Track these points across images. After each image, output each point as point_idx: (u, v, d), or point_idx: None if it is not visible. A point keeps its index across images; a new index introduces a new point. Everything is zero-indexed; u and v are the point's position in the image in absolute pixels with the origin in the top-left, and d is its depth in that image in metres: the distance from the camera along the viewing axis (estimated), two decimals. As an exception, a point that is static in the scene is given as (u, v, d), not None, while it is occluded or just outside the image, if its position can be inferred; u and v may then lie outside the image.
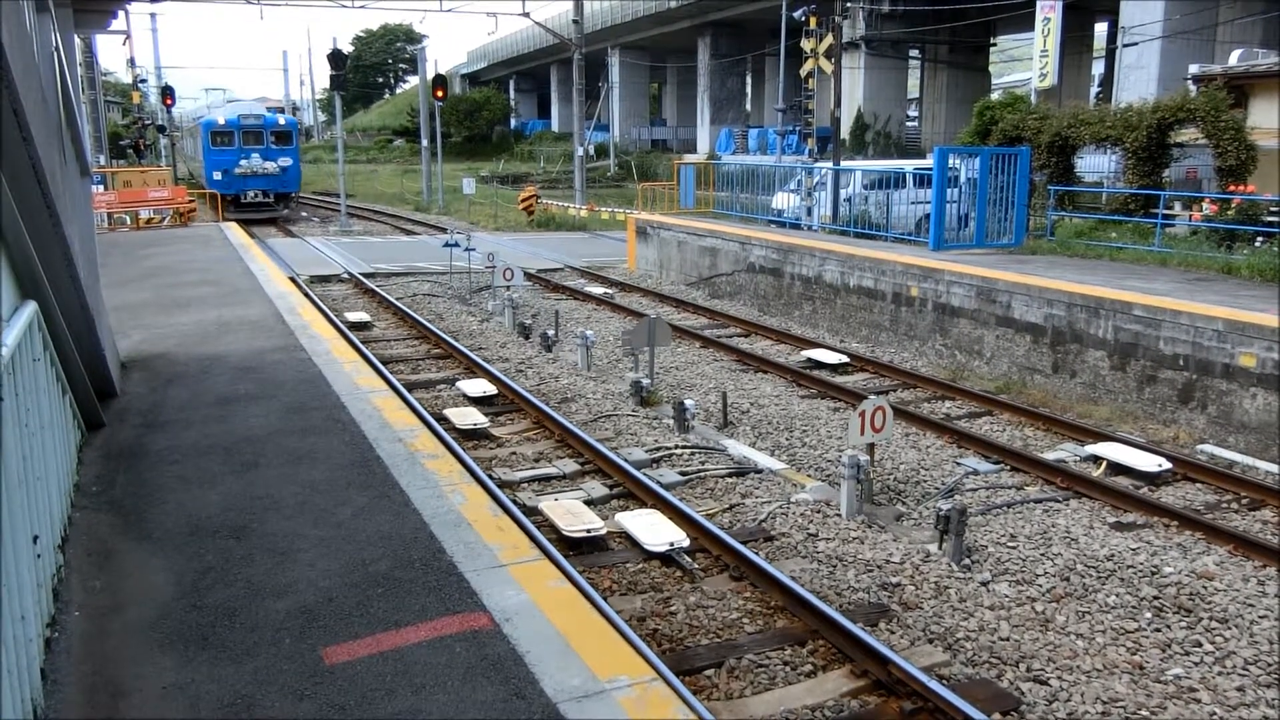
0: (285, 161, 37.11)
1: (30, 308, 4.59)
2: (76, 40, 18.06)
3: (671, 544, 7.74)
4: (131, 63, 40.77)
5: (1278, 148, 18.05)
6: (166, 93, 40.98)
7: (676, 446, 10.51)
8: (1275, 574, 7.68)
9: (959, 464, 10.20)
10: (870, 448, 9.16)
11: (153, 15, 43.76)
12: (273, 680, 3.59)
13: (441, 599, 4.11)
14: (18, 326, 4.11)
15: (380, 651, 3.75)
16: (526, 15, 37.07)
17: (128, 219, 26.80)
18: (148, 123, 43.68)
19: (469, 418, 10.98)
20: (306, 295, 14.99)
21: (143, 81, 44.33)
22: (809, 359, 14.62)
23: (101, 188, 27.79)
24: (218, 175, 35.91)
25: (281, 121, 38.26)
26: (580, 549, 7.96)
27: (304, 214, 41.55)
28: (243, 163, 36.13)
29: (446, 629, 3.88)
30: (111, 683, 3.66)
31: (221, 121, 36.82)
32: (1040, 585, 7.49)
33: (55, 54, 7.38)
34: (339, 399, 7.05)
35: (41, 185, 4.52)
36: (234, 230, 21.09)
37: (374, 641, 3.82)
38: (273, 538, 4.74)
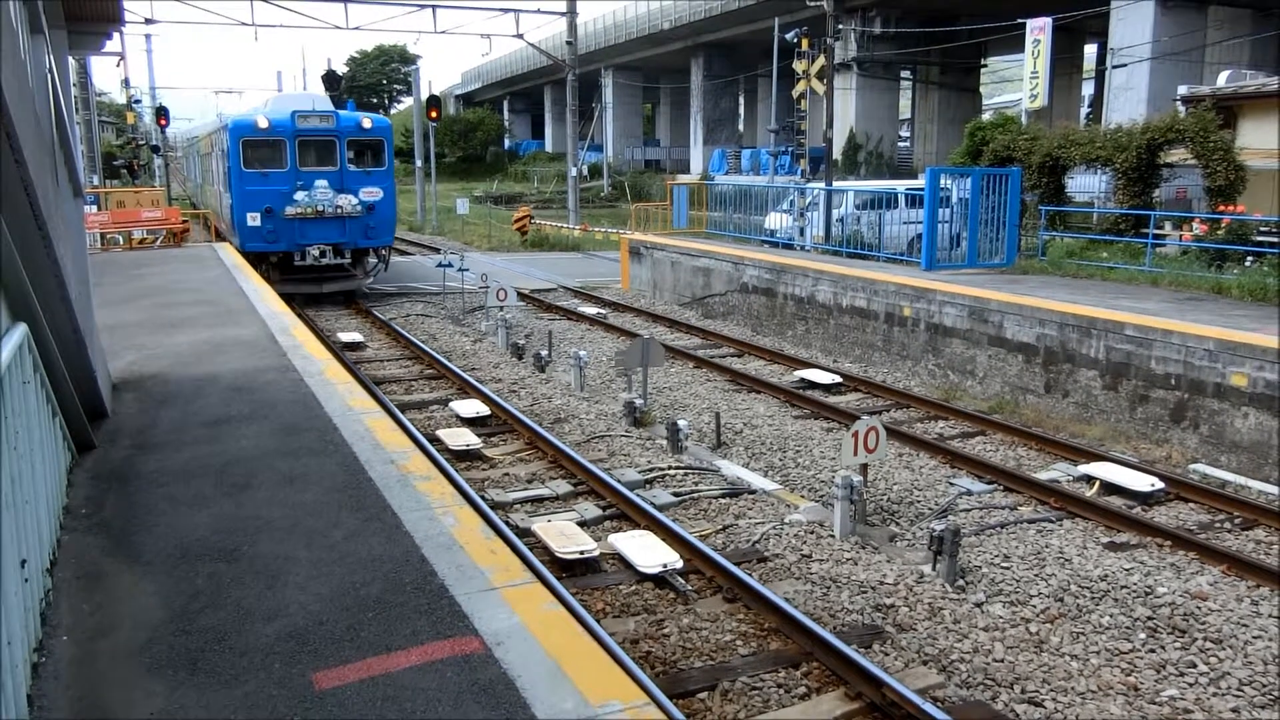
0: (373, 193, 20.71)
1: (21, 330, 4.58)
2: (71, 61, 18.15)
3: (665, 565, 7.72)
4: (126, 83, 40.81)
5: (1277, 168, 18.14)
6: (161, 113, 39.46)
7: (670, 467, 10.49)
8: (1269, 594, 7.67)
9: (952, 484, 10.20)
10: (864, 468, 9.16)
11: (148, 37, 43.79)
12: (262, 705, 3.56)
13: (433, 623, 4.09)
14: (8, 349, 4.10)
15: (371, 676, 3.72)
16: (520, 36, 37.16)
17: (121, 239, 26.77)
18: (142, 143, 43.49)
19: (462, 439, 10.95)
20: (300, 315, 14.97)
21: (137, 102, 44.33)
22: (802, 379, 14.63)
23: (95, 208, 27.75)
24: (254, 220, 19.81)
25: (367, 124, 21.25)
26: (573, 571, 7.93)
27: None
28: (300, 196, 20.05)
29: (438, 653, 3.86)
30: (100, 708, 3.62)
31: (263, 124, 20.07)
32: (1034, 606, 7.48)
33: (49, 76, 7.40)
34: (331, 420, 7.03)
35: (34, 207, 4.52)
36: (227, 251, 21.09)
37: (364, 666, 3.79)
38: (263, 560, 4.71)
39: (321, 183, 20.26)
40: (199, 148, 34.75)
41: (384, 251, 22.44)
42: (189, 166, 45.79)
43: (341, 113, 21.52)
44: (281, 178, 20.13)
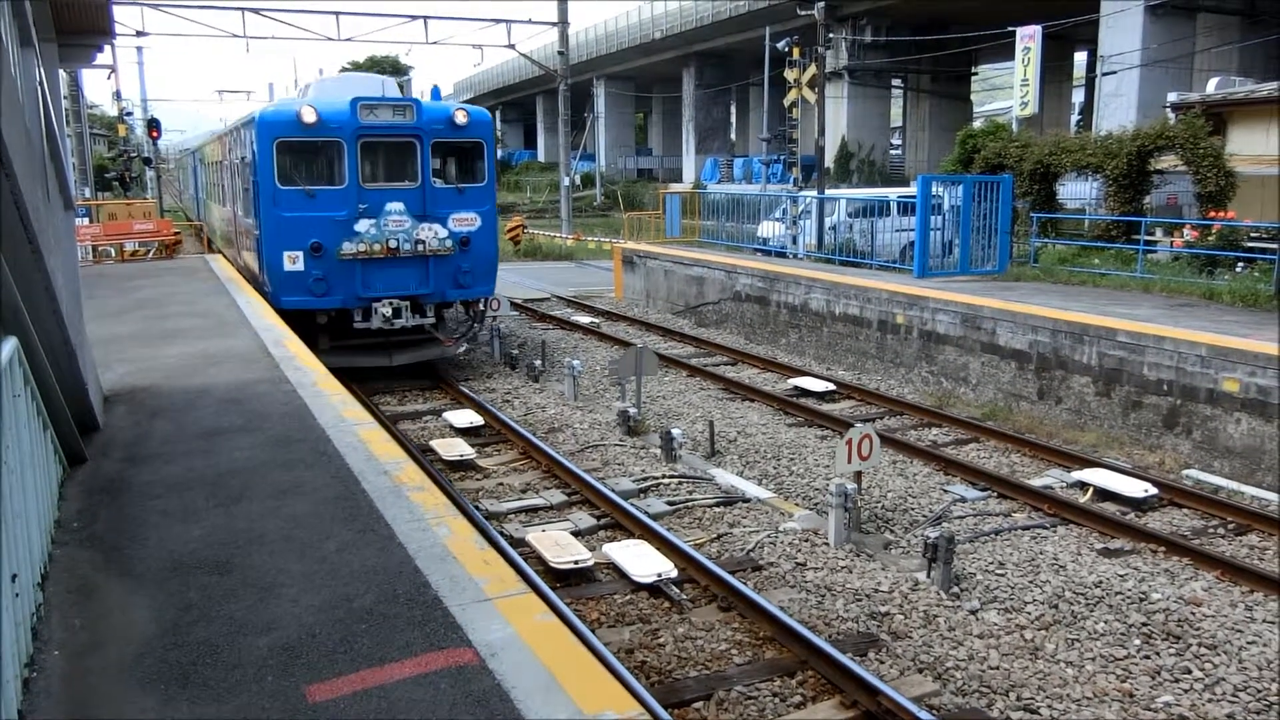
0: (467, 221, 14.59)
1: (11, 343, 4.56)
2: (62, 74, 18.09)
3: (659, 575, 7.71)
4: (117, 95, 40.74)
5: (1276, 174, 18.22)
6: (152, 125, 39.27)
7: (664, 476, 10.48)
8: (1264, 599, 7.68)
9: (946, 491, 10.20)
10: (857, 476, 9.16)
11: (139, 49, 43.80)
12: (255, 719, 3.54)
13: (426, 634, 4.07)
14: (-2, 362, 4.09)
15: (364, 688, 3.71)
16: (512, 46, 37.20)
17: (113, 251, 26.72)
18: (133, 155, 43.38)
19: (455, 449, 10.93)
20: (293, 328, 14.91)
21: (128, 114, 44.26)
22: (796, 387, 14.63)
23: (86, 220, 27.71)
24: (294, 261, 13.63)
25: (461, 119, 14.35)
26: (568, 580, 7.91)
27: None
28: (365, 227, 13.81)
29: (431, 665, 3.84)
30: (91, 723, 3.60)
31: (309, 118, 13.40)
32: (1029, 613, 7.47)
33: (39, 89, 7.39)
34: (324, 431, 7.02)
35: (24, 220, 4.50)
36: (220, 263, 20.99)
37: (358, 679, 3.77)
38: (256, 573, 4.69)
39: (395, 206, 13.61)
40: (204, 155, 26.81)
41: (482, 306, 15.29)
42: (187, 180, 40.83)
43: (425, 102, 14.82)
44: (336, 198, 13.33)
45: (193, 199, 36.29)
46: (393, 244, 13.74)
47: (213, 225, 25.84)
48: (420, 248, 13.92)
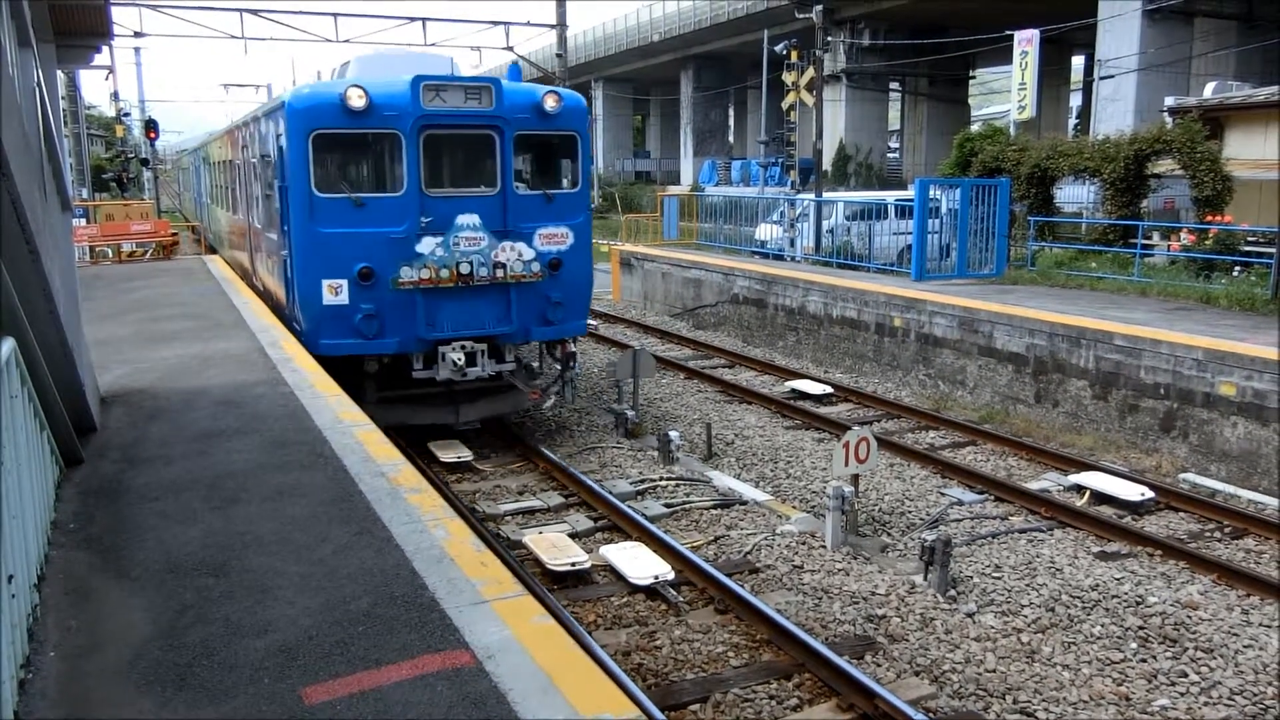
0: (558, 238, 11.26)
1: (8, 344, 4.55)
2: (60, 75, 18.07)
3: (656, 577, 7.71)
4: (115, 96, 40.69)
5: (1276, 178, 18.27)
6: (150, 126, 39.15)
7: (661, 478, 10.49)
8: (1260, 603, 7.69)
9: (943, 494, 10.21)
10: (855, 479, 9.17)
11: (137, 50, 43.71)
12: (251, 721, 3.54)
13: (423, 636, 4.07)
14: (-5, 363, 4.08)
15: (361, 691, 3.70)
16: (510, 49, 37.19)
17: (110, 252, 26.69)
18: (131, 156, 43.29)
19: (453, 451, 10.93)
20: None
21: (126, 115, 44.20)
22: (793, 390, 14.64)
23: (84, 221, 27.68)
24: (335, 292, 10.41)
25: (551, 105, 10.99)
26: (565, 582, 7.91)
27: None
28: (429, 247, 10.54)
29: (428, 667, 3.83)
30: (87, 725, 3.59)
31: (357, 101, 10.10)
32: (1026, 616, 7.48)
33: (37, 90, 7.38)
34: (321, 433, 7.00)
35: (21, 221, 4.50)
36: (217, 263, 20.94)
37: (354, 680, 3.76)
38: (253, 575, 4.69)
39: (469, 219, 10.64)
40: (208, 154, 23.49)
41: (573, 346, 12.10)
42: (188, 183, 36.82)
43: (505, 84, 11.11)
44: (392, 209, 10.39)
45: (194, 203, 32.77)
46: (465, 269, 10.51)
47: (218, 234, 22.53)
48: (500, 273, 10.70)
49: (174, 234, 27.93)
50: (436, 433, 11.48)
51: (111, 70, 36.40)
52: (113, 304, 14.12)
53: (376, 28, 56.09)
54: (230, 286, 15.95)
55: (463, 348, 10.65)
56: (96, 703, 3.71)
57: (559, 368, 12.18)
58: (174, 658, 3.97)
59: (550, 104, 10.89)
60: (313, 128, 10.14)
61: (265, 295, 13.62)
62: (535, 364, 12.49)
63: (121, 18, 27.64)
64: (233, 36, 30.84)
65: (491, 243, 10.69)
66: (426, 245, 10.42)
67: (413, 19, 33.25)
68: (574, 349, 12.05)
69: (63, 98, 25.59)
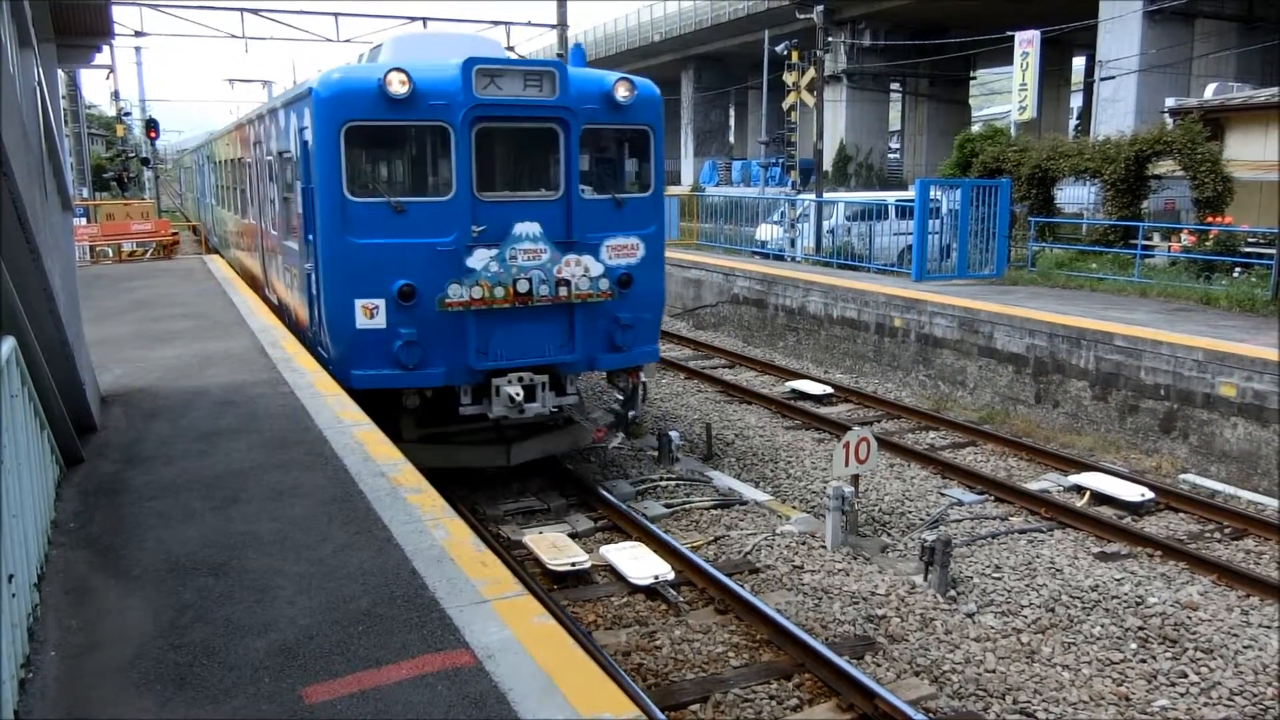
0: (628, 250, 9.80)
1: (9, 343, 4.55)
2: (60, 74, 18.05)
3: (656, 577, 7.71)
4: (115, 96, 40.71)
5: (1276, 179, 18.29)
6: (150, 125, 39.12)
7: (661, 478, 10.49)
8: (1260, 603, 7.69)
9: (943, 495, 10.21)
10: (855, 479, 9.17)
11: (137, 49, 43.74)
12: (251, 720, 3.54)
13: (423, 636, 4.07)
14: (-4, 362, 4.08)
15: (361, 690, 3.70)
16: (511, 49, 37.25)
17: (110, 252, 26.70)
18: (131, 155, 43.30)
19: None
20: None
21: (127, 114, 44.21)
22: (793, 390, 14.64)
23: (84, 220, 27.69)
24: (370, 314, 8.95)
25: (624, 93, 9.47)
26: (565, 582, 7.91)
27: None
28: (482, 261, 9.09)
29: (428, 667, 3.84)
30: (87, 725, 3.59)
31: (399, 87, 8.62)
32: (1026, 616, 7.48)
33: (38, 89, 7.39)
34: (321, 433, 7.00)
35: (21, 220, 4.50)
36: (217, 263, 20.94)
37: (354, 680, 3.76)
38: (253, 575, 4.69)
39: (528, 228, 9.25)
40: (213, 152, 21.80)
41: (643, 375, 10.82)
42: (191, 182, 35.02)
43: (570, 68, 9.57)
44: (438, 216, 9.04)
45: (196, 204, 31.17)
46: (523, 286, 9.08)
47: (224, 237, 21.14)
48: (563, 292, 9.25)
49: (174, 233, 27.93)
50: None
51: (112, 69, 36.43)
52: (113, 303, 14.12)
53: (377, 27, 56.00)
54: (230, 286, 15.95)
55: (520, 379, 9.26)
56: (96, 702, 3.71)
57: (619, 397, 10.89)
58: (174, 657, 3.97)
59: (622, 92, 9.43)
60: (346, 119, 8.70)
61: (280, 311, 12.32)
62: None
63: (122, 17, 27.62)
64: (233, 36, 30.85)
65: (553, 256, 9.23)
66: (478, 259, 8.99)
67: (413, 18, 33.26)
68: (643, 378, 10.70)
69: (63, 97, 25.60)
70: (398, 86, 8.53)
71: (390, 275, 8.82)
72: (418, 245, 8.88)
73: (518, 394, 9.15)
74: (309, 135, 9.02)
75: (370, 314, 8.88)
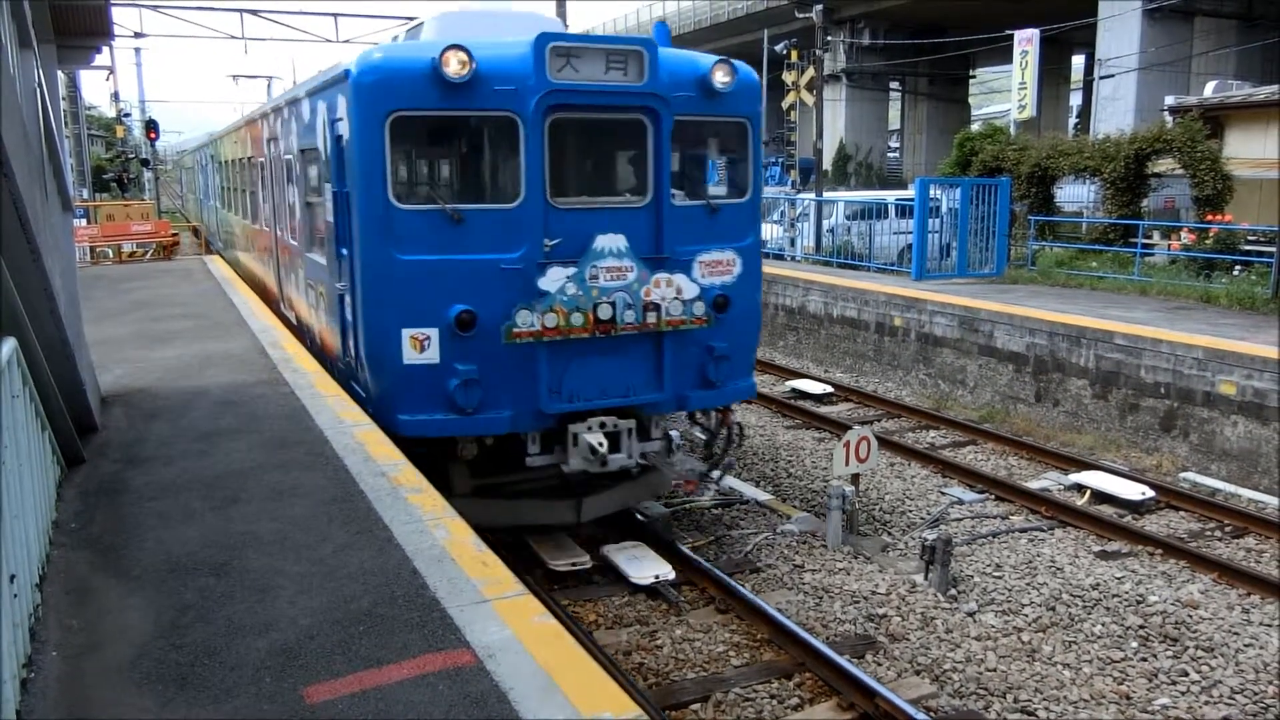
0: (724, 267, 8.29)
1: (10, 343, 4.56)
2: (60, 75, 18.04)
3: (657, 577, 7.71)
4: (115, 97, 40.74)
5: (1276, 177, 18.29)
6: (150, 126, 39.14)
7: (662, 478, 10.45)
8: (1260, 602, 7.69)
9: (944, 494, 10.21)
10: (855, 478, 9.17)
11: (137, 50, 43.74)
12: (253, 720, 3.54)
13: (424, 636, 4.07)
14: (-4, 363, 4.09)
15: (362, 690, 3.70)
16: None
17: (110, 252, 26.71)
18: (131, 156, 43.34)
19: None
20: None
21: (126, 115, 44.24)
22: (793, 389, 14.64)
23: (84, 221, 27.70)
24: (419, 347, 7.44)
25: (723, 79, 7.91)
26: (566, 582, 7.91)
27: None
28: (554, 282, 7.52)
29: (429, 666, 3.84)
30: (88, 725, 3.60)
31: (458, 67, 7.09)
32: (1026, 615, 7.49)
33: (38, 90, 7.39)
34: (322, 433, 7.00)
35: (22, 221, 4.51)
36: (217, 264, 20.92)
37: (356, 680, 3.77)
38: (253, 575, 4.69)
39: (611, 242, 7.82)
40: (219, 151, 20.28)
41: (737, 415, 9.55)
42: (193, 184, 32.89)
43: (660, 48, 7.99)
44: (503, 227, 7.62)
45: (198, 206, 29.50)
46: (605, 312, 7.59)
47: (229, 241, 19.73)
48: (651, 319, 7.78)
49: (174, 234, 27.94)
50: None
51: (112, 70, 36.45)
52: (113, 304, 14.13)
53: (377, 28, 55.92)
54: (230, 286, 15.94)
55: (602, 424, 7.77)
56: (98, 702, 3.72)
57: (703, 436, 9.44)
58: (175, 657, 3.98)
59: (721, 78, 7.89)
60: (392, 109, 7.19)
61: (300, 331, 10.83)
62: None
63: (122, 18, 27.66)
64: (232, 37, 30.88)
65: (641, 275, 7.72)
66: (552, 279, 7.47)
67: (413, 19, 33.28)
68: (737, 418, 9.35)
69: (63, 98, 25.59)
70: (457, 68, 7.05)
71: (445, 299, 7.35)
72: (479, 263, 7.38)
73: (601, 444, 7.64)
74: (344, 128, 7.57)
75: (421, 346, 7.44)
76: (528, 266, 7.42)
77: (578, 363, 7.67)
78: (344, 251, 7.90)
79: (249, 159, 14.44)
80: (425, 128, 7.69)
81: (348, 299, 8.00)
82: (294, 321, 11.40)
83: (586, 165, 8.46)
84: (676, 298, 7.87)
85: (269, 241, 13.00)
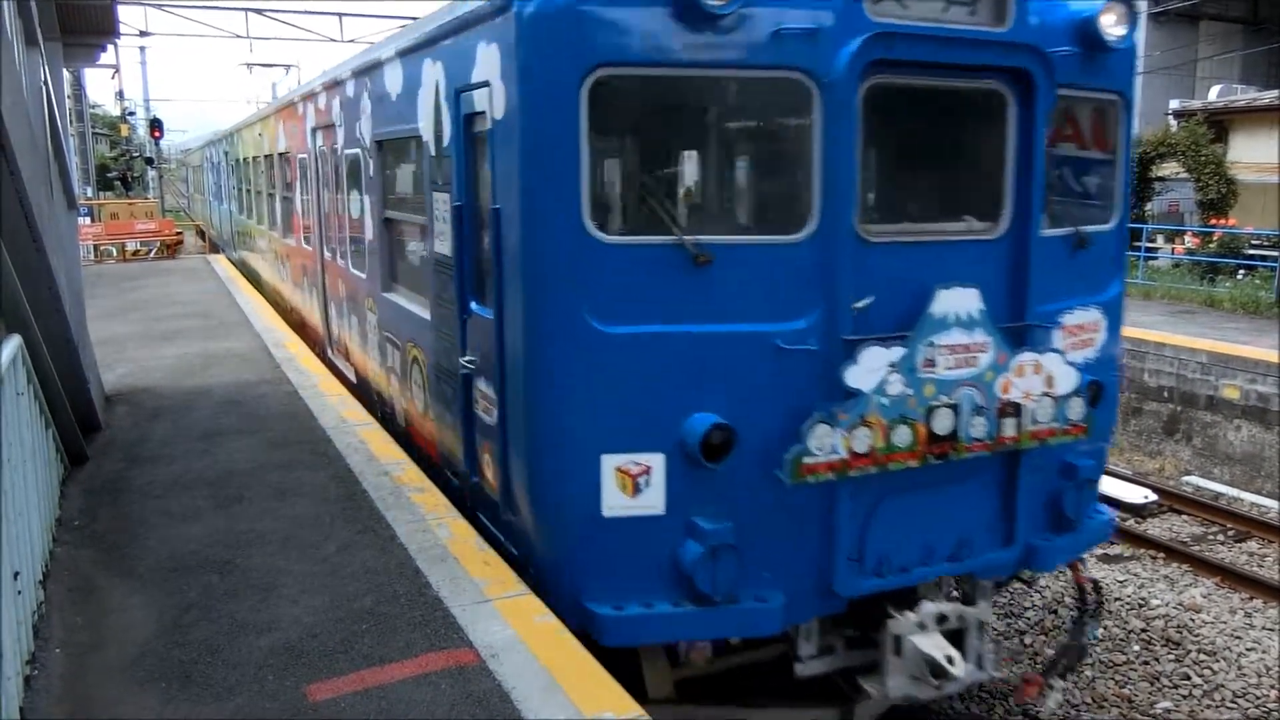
0: (1088, 334, 5.32)
1: (15, 341, 4.57)
2: (65, 74, 18.05)
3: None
4: (120, 95, 40.79)
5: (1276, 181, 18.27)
6: (154, 125, 39.19)
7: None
8: (1263, 606, 7.68)
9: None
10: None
11: (142, 49, 43.77)
12: (255, 718, 3.55)
13: (427, 635, 4.08)
14: (2, 360, 4.10)
15: (365, 688, 3.71)
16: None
17: (115, 251, 26.75)
18: (136, 155, 43.38)
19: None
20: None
21: (131, 114, 44.29)
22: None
23: (89, 220, 27.75)
24: (628, 486, 4.37)
25: (1110, 33, 4.78)
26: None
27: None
28: (873, 374, 4.35)
29: (432, 665, 3.84)
30: (91, 722, 3.61)
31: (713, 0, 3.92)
32: (1028, 618, 7.47)
33: (44, 88, 7.41)
34: (325, 432, 7.01)
35: (28, 219, 4.52)
36: (221, 263, 20.89)
37: (358, 678, 3.77)
38: (256, 573, 4.70)
39: (959, 300, 4.55)
40: (237, 146, 17.02)
41: (1087, 569, 6.10)
42: (202, 185, 28.72)
43: None
44: (778, 274, 4.43)
45: (208, 208, 26.04)
46: (944, 423, 4.64)
47: (248, 253, 16.99)
48: (1009, 430, 4.82)
49: (178, 233, 27.98)
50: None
51: (117, 69, 36.51)
52: (117, 303, 14.14)
53: (382, 27, 55.94)
54: (234, 286, 15.95)
55: (942, 617, 4.96)
56: (101, 699, 3.73)
57: (1081, 613, 6.07)
58: (178, 655, 3.98)
59: (1114, 25, 4.98)
60: (597, 61, 4.25)
61: (371, 405, 7.88)
62: None
63: (127, 16, 27.70)
64: (238, 36, 30.93)
65: (998, 356, 4.72)
66: (869, 368, 4.46)
67: (414, 19, 33.31)
68: (1088, 569, 6.14)
69: (68, 96, 25.62)
70: None
71: (680, 402, 4.46)
72: (738, 337, 4.48)
73: (949, 657, 4.73)
74: (491, 100, 4.67)
75: (634, 486, 4.50)
76: (826, 345, 4.47)
77: (888, 507, 4.77)
78: (477, 308, 5.14)
79: (282, 154, 11.63)
80: (651, 100, 4.64)
81: (483, 387, 5.15)
82: (352, 379, 8.61)
83: (912, 167, 5.36)
84: (1046, 393, 4.85)
85: (312, 263, 10.10)
